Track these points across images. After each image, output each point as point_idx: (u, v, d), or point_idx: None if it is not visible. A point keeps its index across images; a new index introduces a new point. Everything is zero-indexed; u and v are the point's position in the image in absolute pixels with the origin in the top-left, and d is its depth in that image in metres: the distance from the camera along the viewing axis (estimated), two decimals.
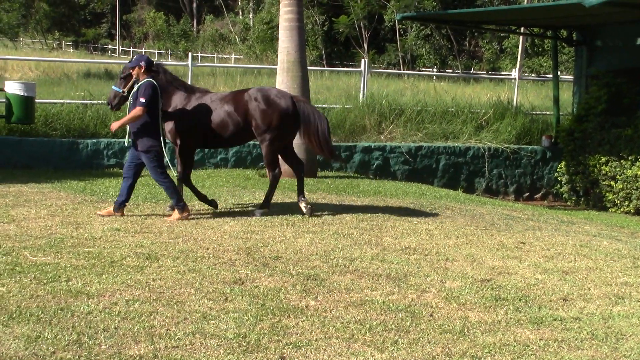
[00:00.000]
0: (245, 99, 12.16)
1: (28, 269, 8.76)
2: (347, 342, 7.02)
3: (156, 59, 71.13)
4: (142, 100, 11.40)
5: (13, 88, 15.68)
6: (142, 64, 11.66)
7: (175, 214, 11.76)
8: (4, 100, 15.90)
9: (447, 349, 6.96)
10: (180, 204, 11.75)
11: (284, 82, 16.72)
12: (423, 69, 54.43)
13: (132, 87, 11.81)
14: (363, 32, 56.98)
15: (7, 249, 9.54)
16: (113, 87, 12.08)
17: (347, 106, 19.87)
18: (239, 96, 12.25)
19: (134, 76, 11.69)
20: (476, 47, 64.03)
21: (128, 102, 11.83)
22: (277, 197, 13.86)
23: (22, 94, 15.61)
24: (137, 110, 11.44)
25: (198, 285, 8.47)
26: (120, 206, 11.84)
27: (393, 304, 8.15)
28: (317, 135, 12.42)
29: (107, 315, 7.39)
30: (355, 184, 16.21)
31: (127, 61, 11.88)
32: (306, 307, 7.96)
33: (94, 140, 16.65)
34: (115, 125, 11.92)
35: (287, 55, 16.77)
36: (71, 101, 18.58)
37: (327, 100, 21.53)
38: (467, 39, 63.32)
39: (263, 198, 12.83)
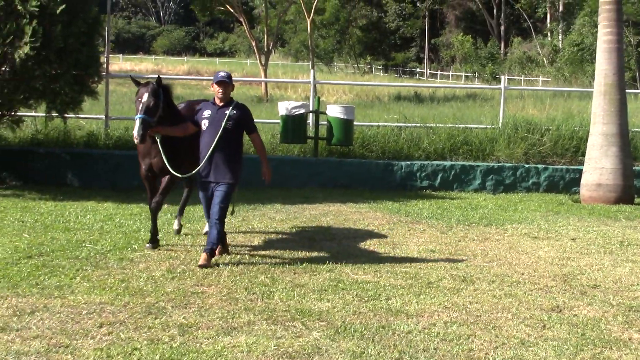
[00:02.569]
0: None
1: (350, 286, 9.04)
2: None
3: (462, 82, 71.53)
4: (254, 125, 10.23)
5: (334, 112, 16.29)
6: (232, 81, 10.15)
7: (205, 257, 9.73)
8: (325, 122, 16.55)
9: None
10: (214, 249, 9.93)
11: (600, 105, 16.23)
12: None
13: (160, 114, 9.93)
14: None
15: (329, 266, 9.92)
16: (141, 116, 9.58)
17: None
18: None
19: (226, 97, 9.91)
20: None
21: (223, 127, 9.73)
22: (593, 224, 13.46)
23: (342, 117, 16.19)
24: (259, 137, 10.27)
25: (515, 311, 8.36)
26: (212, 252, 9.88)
27: None
28: None
29: (426, 335, 7.47)
30: None
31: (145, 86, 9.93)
32: (629, 339, 7.63)
33: (408, 162, 16.92)
34: (269, 173, 10.19)
35: (605, 77, 16.26)
36: (386, 124, 19.02)
37: None
38: None
39: (569, 227, 12.44)
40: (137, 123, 9.55)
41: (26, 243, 10.56)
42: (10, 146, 16.25)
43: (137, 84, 9.90)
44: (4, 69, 13.50)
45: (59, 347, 6.79)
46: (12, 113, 15.32)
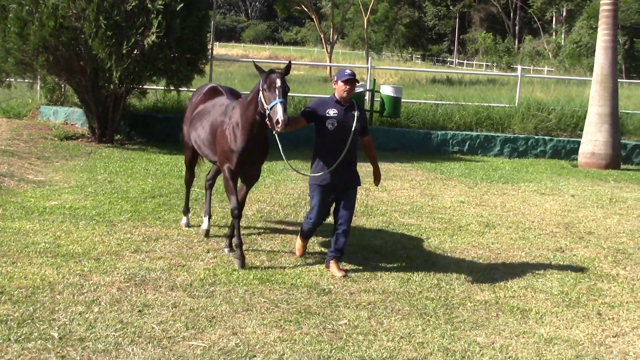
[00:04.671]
0: None
1: (398, 227, 9.06)
2: None
3: (484, 69, 70.40)
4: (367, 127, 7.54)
5: (386, 91, 16.22)
6: None
7: (336, 265, 7.20)
8: (379, 99, 16.47)
9: None
10: (341, 257, 7.36)
11: (597, 90, 15.92)
12: None
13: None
14: None
15: (382, 211, 9.94)
16: (283, 100, 6.74)
17: None
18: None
19: (350, 97, 7.31)
20: None
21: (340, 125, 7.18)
22: (588, 184, 13.24)
23: (392, 95, 16.11)
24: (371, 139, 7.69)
25: (527, 250, 8.34)
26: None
27: None
28: None
29: (458, 267, 7.49)
30: None
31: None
32: (617, 275, 7.58)
33: (443, 132, 16.76)
34: (380, 177, 7.78)
35: (602, 69, 15.93)
36: (426, 101, 18.87)
37: (627, 107, 20.08)
38: None
39: (569, 186, 12.23)
40: (280, 107, 6.69)
41: (150, 186, 10.72)
42: (137, 111, 16.41)
43: (261, 70, 7.03)
44: (135, 52, 13.63)
45: (178, 266, 6.94)
46: (140, 86, 15.51)
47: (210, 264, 7.07)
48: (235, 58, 44.67)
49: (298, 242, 7.63)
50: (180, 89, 15.41)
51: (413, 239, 8.55)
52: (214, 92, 8.16)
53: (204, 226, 8.28)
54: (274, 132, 6.72)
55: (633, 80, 35.85)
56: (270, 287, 6.49)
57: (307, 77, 42.75)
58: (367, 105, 16.88)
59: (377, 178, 7.68)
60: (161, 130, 16.04)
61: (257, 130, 7.09)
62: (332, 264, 7.18)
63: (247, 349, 5.07)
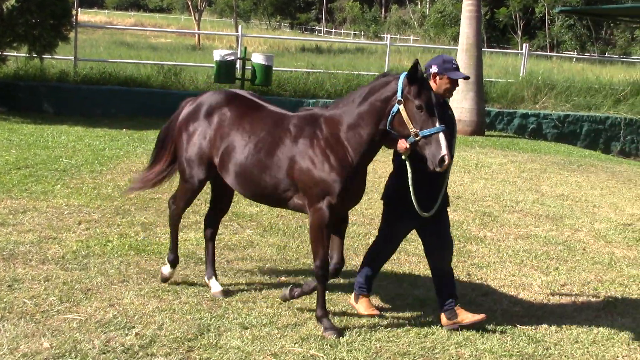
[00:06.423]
0: None
1: None
2: (518, 266, 7.01)
3: (352, 38, 71.30)
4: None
5: (258, 59, 16.12)
6: None
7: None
8: (250, 68, 16.39)
9: (598, 277, 6.85)
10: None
11: (463, 59, 16.46)
12: (565, 52, 52.20)
13: None
14: (518, 21, 55.31)
15: None
16: (444, 127, 4.76)
17: (510, 80, 19.37)
18: None
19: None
20: (611, 35, 60.78)
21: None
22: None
23: (264, 63, 16.04)
24: None
25: None
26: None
27: (553, 239, 8.04)
28: None
29: None
30: (515, 142, 15.87)
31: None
32: (484, 237, 7.96)
33: (314, 100, 16.89)
34: None
35: (467, 39, 16.50)
36: (296, 69, 18.92)
37: (490, 75, 20.92)
38: (604, 28, 60.19)
39: None
40: (444, 139, 4.70)
41: (14, 157, 10.30)
42: None
43: (415, 74, 4.72)
44: None
45: (48, 239, 6.75)
46: None
47: (82, 236, 6.92)
48: (101, 25, 43.19)
49: (363, 301, 5.58)
50: (43, 56, 14.84)
51: None
52: (244, 105, 5.72)
53: (217, 289, 5.74)
54: (435, 169, 4.73)
55: (494, 50, 37.48)
56: (146, 258, 6.43)
57: (176, 45, 41.95)
58: (238, 74, 16.76)
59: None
60: (24, 99, 15.45)
61: (366, 155, 5.18)
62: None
63: (125, 320, 5.01)
